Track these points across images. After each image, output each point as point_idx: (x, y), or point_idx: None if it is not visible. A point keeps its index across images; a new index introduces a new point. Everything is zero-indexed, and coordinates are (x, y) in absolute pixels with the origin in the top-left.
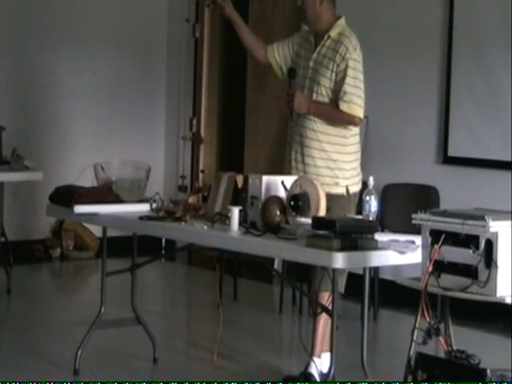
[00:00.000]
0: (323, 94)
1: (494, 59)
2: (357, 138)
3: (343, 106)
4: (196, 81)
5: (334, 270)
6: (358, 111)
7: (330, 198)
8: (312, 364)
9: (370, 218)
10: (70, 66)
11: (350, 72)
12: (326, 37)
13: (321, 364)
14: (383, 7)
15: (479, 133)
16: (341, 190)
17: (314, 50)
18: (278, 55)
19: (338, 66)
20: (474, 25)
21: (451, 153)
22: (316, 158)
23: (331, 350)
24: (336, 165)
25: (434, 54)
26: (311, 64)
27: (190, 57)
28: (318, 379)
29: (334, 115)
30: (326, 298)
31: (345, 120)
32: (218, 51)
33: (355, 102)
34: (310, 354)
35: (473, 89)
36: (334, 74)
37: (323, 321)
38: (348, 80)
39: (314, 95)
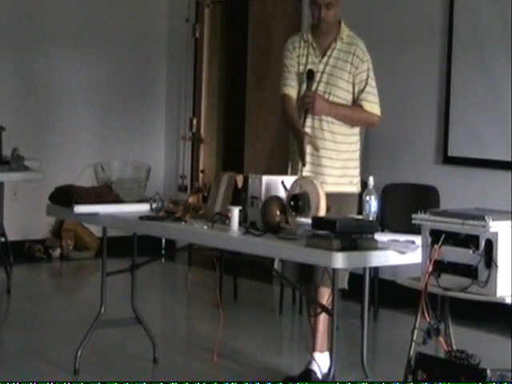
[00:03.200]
0: (340, 97)
1: (494, 59)
2: (358, 137)
3: (367, 106)
4: (196, 81)
5: (334, 270)
6: (378, 110)
7: (345, 197)
8: (313, 361)
9: (370, 218)
10: (69, 66)
11: (371, 74)
12: (337, 39)
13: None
14: (383, 7)
15: (479, 133)
16: (355, 189)
17: (323, 54)
18: (297, 86)
19: (356, 68)
20: (474, 25)
21: (451, 153)
22: (333, 159)
23: (331, 350)
24: (348, 164)
25: (434, 54)
26: (322, 68)
27: (190, 57)
28: (319, 376)
29: (355, 115)
30: (326, 296)
31: (365, 119)
32: (217, 51)
33: (376, 102)
34: (312, 350)
35: (473, 89)
36: (351, 76)
37: (323, 317)
38: (370, 81)
39: (331, 97)
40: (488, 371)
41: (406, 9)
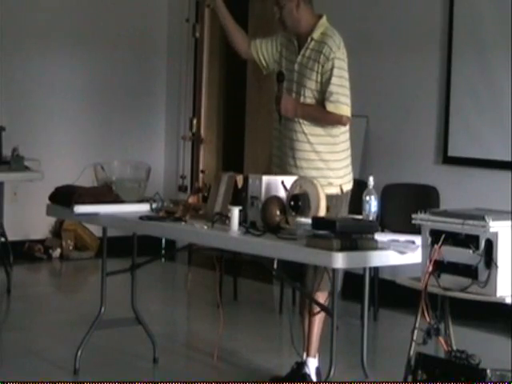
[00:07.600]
0: (310, 97)
1: (494, 59)
2: (347, 136)
3: (330, 107)
4: (196, 81)
5: (334, 270)
6: (345, 110)
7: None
8: (308, 364)
9: (370, 218)
10: (70, 65)
11: (335, 72)
12: (309, 39)
13: (318, 363)
14: (383, 7)
15: (479, 133)
16: (335, 190)
17: (299, 53)
18: (262, 52)
19: (322, 66)
20: (474, 25)
21: (451, 153)
22: (309, 160)
23: (331, 350)
24: (328, 165)
25: (434, 54)
26: (296, 67)
27: (190, 57)
28: (314, 378)
29: (322, 116)
30: (323, 299)
31: (332, 120)
32: (218, 51)
33: (342, 102)
34: (307, 353)
35: (473, 89)
36: (319, 76)
37: (319, 321)
38: (334, 80)
39: (302, 98)
40: (488, 371)
41: (406, 9)
